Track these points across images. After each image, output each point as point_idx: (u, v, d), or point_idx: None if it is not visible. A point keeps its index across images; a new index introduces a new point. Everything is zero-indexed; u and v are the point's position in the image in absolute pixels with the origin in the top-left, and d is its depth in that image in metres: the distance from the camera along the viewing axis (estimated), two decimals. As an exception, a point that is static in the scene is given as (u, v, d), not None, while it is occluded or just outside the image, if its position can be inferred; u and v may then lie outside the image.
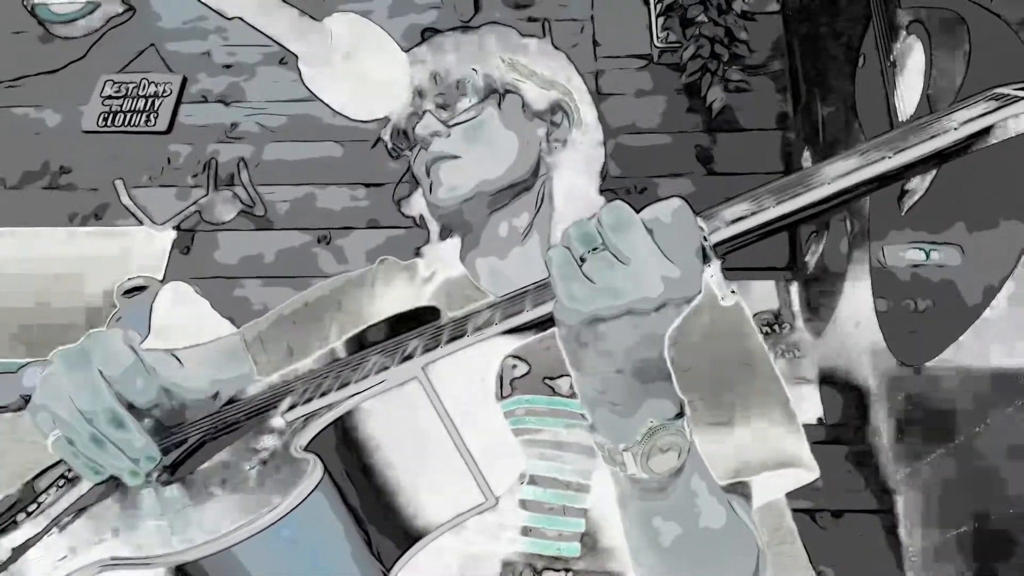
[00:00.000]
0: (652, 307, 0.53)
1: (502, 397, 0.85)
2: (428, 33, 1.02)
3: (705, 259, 0.53)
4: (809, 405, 2.12)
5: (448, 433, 0.60)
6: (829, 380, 2.16)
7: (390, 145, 1.01)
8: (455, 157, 0.92)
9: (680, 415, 0.60)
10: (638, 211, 0.54)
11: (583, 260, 0.54)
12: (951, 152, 0.48)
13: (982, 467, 1.59)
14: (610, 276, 0.53)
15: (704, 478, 0.67)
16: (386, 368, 0.61)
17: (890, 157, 0.47)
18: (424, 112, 0.94)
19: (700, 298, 0.55)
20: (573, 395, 0.83)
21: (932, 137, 0.47)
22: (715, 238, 0.52)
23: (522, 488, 0.80)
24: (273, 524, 0.55)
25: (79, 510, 0.69)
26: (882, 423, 1.97)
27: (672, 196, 0.54)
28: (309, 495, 0.56)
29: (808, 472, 0.80)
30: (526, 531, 0.79)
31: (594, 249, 0.53)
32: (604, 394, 0.58)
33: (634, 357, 0.56)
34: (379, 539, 0.61)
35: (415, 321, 0.71)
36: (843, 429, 2.09)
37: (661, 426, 0.58)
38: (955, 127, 0.47)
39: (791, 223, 0.50)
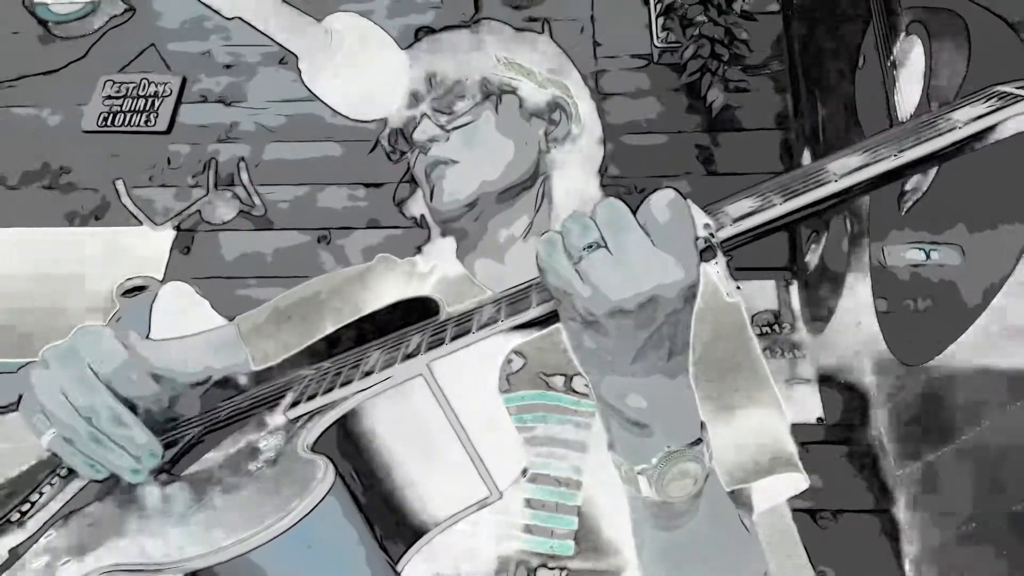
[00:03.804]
0: (644, 299, 0.52)
1: (499, 392, 0.85)
2: (423, 32, 1.02)
3: (711, 256, 0.53)
4: (809, 405, 2.11)
5: (453, 429, 0.60)
6: (829, 380, 2.15)
7: (388, 149, 1.01)
8: (454, 162, 0.92)
9: (699, 441, 0.59)
10: (635, 208, 0.54)
11: (580, 257, 0.53)
12: (953, 150, 0.48)
13: (982, 467, 1.58)
14: (603, 271, 0.52)
15: (721, 503, 0.66)
16: (390, 365, 0.61)
17: (896, 155, 0.47)
18: (422, 116, 0.94)
19: (701, 304, 0.55)
20: (568, 391, 0.83)
21: (938, 135, 0.47)
22: (721, 235, 0.52)
23: (524, 486, 0.80)
24: (289, 529, 0.54)
25: (76, 510, 0.68)
26: (882, 423, 1.96)
27: (666, 187, 0.53)
28: (323, 499, 0.56)
29: (804, 479, 0.81)
30: (527, 529, 0.79)
31: (589, 246, 0.53)
32: (618, 408, 0.58)
33: (643, 364, 0.55)
34: (385, 535, 0.61)
35: (413, 310, 0.70)
36: (843, 429, 2.08)
37: (679, 451, 0.57)
38: (960, 125, 0.47)
39: (797, 220, 0.50)
